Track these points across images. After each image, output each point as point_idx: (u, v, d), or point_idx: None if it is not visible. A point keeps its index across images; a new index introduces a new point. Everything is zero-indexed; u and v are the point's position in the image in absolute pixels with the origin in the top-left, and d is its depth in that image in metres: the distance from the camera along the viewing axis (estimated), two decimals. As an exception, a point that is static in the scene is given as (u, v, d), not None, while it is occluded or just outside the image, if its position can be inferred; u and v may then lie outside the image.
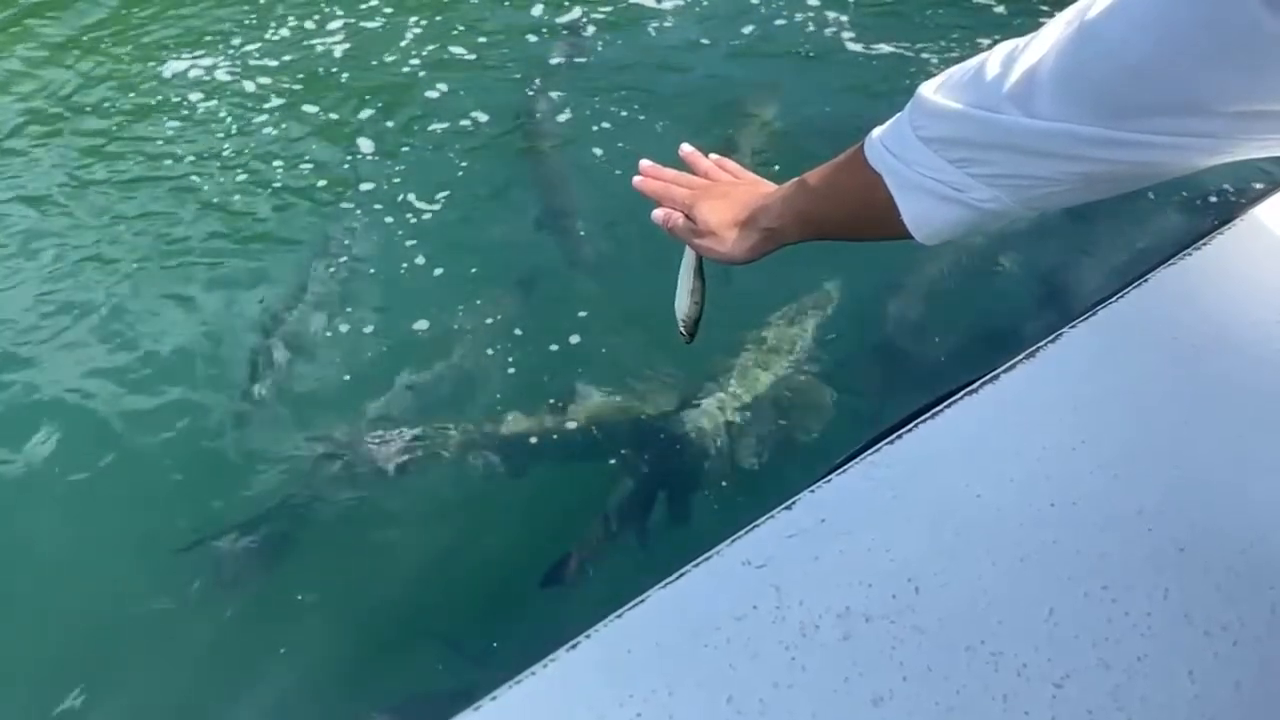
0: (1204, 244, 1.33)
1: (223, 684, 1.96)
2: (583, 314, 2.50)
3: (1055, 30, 0.89)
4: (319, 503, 2.22)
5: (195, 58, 3.52)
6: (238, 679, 1.96)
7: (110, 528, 2.20)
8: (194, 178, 3.06)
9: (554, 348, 2.43)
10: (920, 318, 2.32)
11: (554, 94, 3.24)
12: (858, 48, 3.34)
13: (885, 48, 3.31)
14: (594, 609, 1.10)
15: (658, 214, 1.36)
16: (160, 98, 3.37)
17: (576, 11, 3.59)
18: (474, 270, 2.64)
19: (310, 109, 3.29)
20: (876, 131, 1.08)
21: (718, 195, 1.32)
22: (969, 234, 1.07)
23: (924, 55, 3.25)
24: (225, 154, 3.13)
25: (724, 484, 2.08)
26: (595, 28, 3.53)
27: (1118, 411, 1.21)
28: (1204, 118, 0.81)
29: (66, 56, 3.58)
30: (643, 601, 1.08)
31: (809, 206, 1.23)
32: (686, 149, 1.46)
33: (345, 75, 3.42)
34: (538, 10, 3.62)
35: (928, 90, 1.01)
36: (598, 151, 3.00)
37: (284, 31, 3.64)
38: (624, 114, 3.13)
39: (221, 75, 3.45)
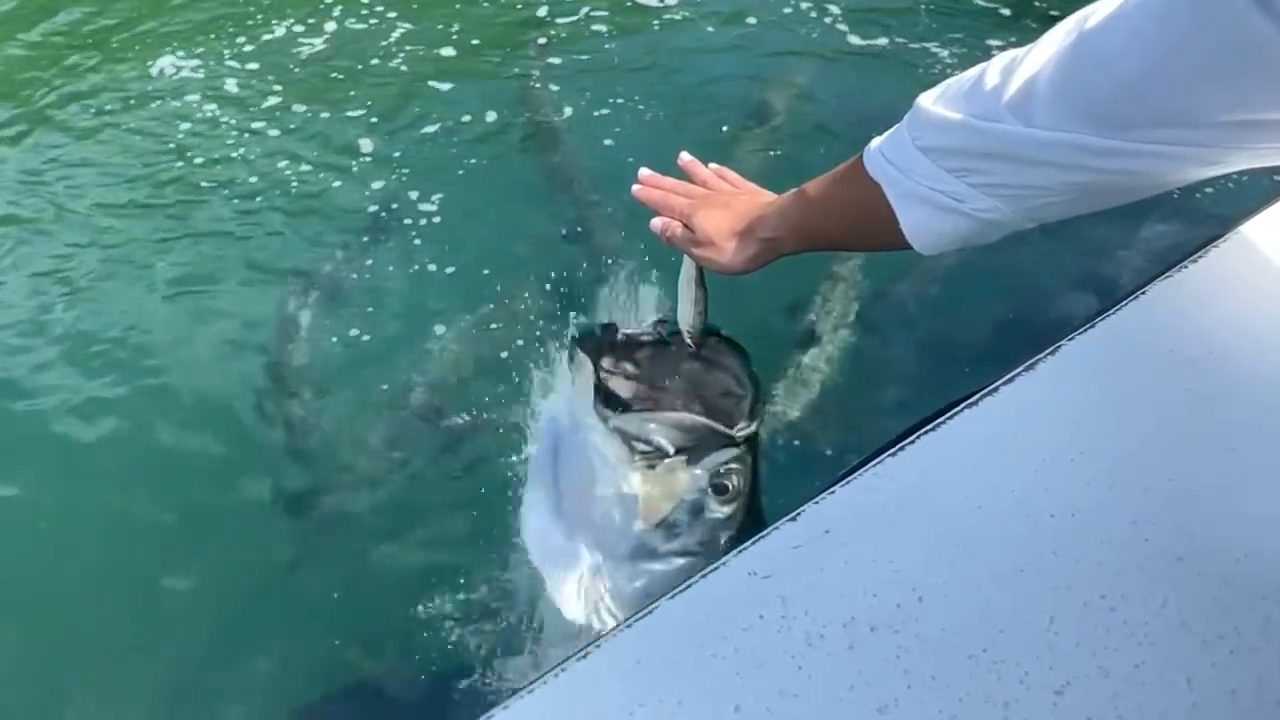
0: (1200, 256, 1.35)
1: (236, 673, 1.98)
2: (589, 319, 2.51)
3: (1054, 40, 0.91)
4: (323, 502, 2.24)
5: (190, 58, 3.51)
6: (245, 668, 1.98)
7: (129, 534, 2.21)
8: (203, 183, 3.04)
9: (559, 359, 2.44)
10: (920, 332, 2.34)
11: (555, 89, 3.24)
12: (858, 41, 3.34)
13: (890, 45, 3.31)
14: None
15: (656, 223, 1.37)
16: (159, 102, 3.36)
17: (582, 10, 3.59)
18: (486, 272, 2.64)
19: (308, 110, 3.28)
20: (876, 142, 1.10)
21: (717, 205, 1.34)
22: (968, 244, 1.09)
23: (930, 53, 3.26)
24: (231, 156, 3.12)
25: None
26: (595, 24, 3.54)
27: (1115, 423, 1.23)
28: (1201, 128, 0.83)
29: (57, 58, 3.56)
30: (651, 612, 1.10)
31: (809, 217, 1.24)
32: (686, 158, 1.48)
33: (342, 76, 3.41)
34: (542, 11, 3.61)
35: (926, 100, 1.02)
36: (600, 147, 3.00)
37: (279, 31, 3.63)
38: (625, 111, 3.13)
39: (217, 77, 3.44)
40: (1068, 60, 0.89)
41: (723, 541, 1.52)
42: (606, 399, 1.49)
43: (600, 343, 1.56)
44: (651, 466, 1.47)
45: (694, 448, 1.47)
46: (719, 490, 1.48)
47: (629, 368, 1.56)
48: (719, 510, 1.49)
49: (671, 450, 1.47)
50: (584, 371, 1.52)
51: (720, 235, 1.30)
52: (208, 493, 2.27)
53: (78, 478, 2.33)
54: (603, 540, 1.54)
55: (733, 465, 1.48)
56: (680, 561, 1.51)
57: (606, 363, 1.56)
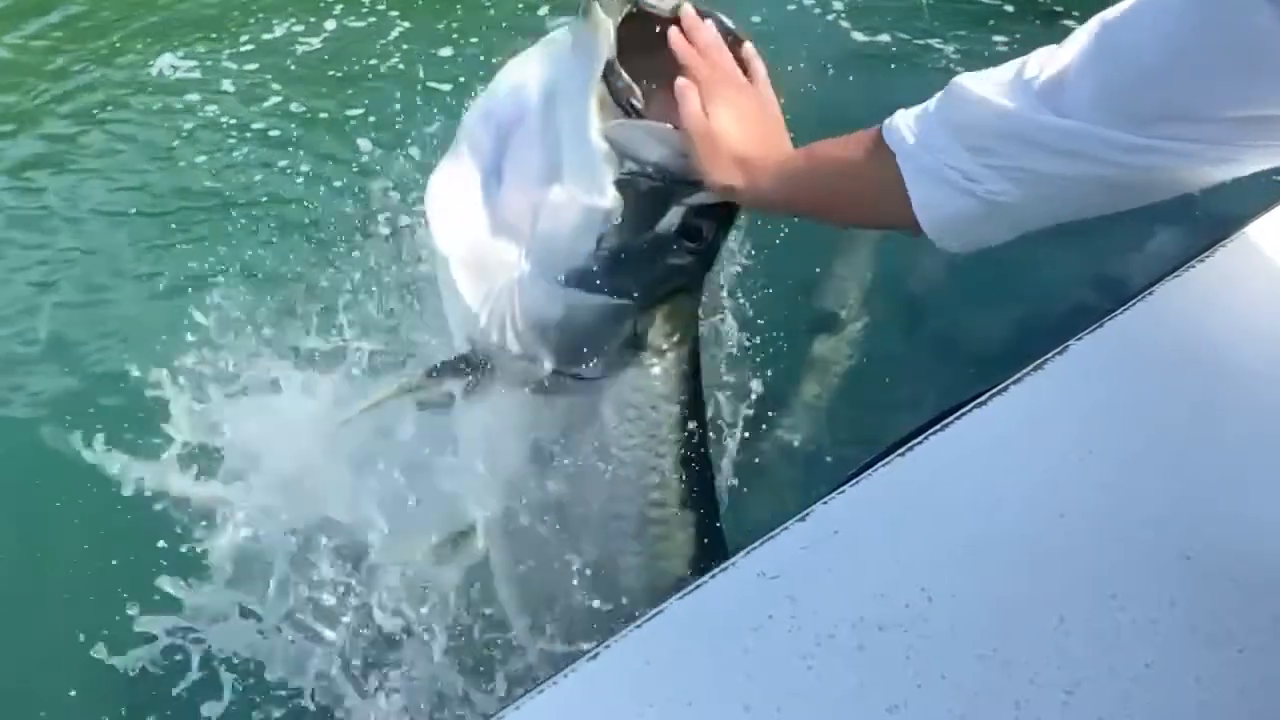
0: (1207, 257, 1.35)
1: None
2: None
3: (1086, 34, 0.95)
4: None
5: (189, 58, 3.49)
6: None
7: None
8: (205, 183, 3.03)
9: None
10: (928, 333, 2.33)
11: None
12: (861, 38, 3.33)
13: (892, 43, 3.30)
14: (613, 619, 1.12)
15: (680, 81, 1.27)
16: (157, 102, 3.34)
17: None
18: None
19: (308, 110, 3.27)
20: (900, 114, 1.11)
21: (736, 100, 1.27)
22: (970, 236, 1.10)
23: (934, 49, 3.24)
24: (230, 156, 3.11)
25: (737, 496, 2.09)
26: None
27: (1124, 423, 1.23)
28: (1209, 123, 0.86)
29: (53, 56, 3.54)
30: (661, 612, 1.10)
31: (814, 177, 1.24)
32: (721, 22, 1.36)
33: (342, 76, 3.40)
34: (542, 11, 3.60)
35: (965, 79, 1.05)
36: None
37: (279, 31, 3.62)
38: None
39: (216, 77, 3.43)
40: (1092, 53, 0.93)
41: (658, 293, 1.32)
42: (616, 85, 1.24)
43: (627, 9, 1.25)
44: (634, 181, 1.26)
45: (692, 181, 1.26)
46: (691, 233, 1.30)
47: (654, 52, 1.26)
48: (681, 257, 1.31)
49: (677, 174, 1.26)
50: (599, 35, 1.25)
51: (725, 148, 1.24)
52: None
53: (69, 479, 2.32)
54: (540, 248, 1.31)
55: (715, 211, 1.30)
56: (609, 302, 1.31)
57: (628, 35, 1.25)
